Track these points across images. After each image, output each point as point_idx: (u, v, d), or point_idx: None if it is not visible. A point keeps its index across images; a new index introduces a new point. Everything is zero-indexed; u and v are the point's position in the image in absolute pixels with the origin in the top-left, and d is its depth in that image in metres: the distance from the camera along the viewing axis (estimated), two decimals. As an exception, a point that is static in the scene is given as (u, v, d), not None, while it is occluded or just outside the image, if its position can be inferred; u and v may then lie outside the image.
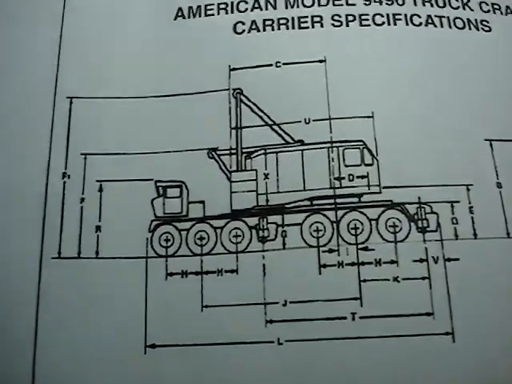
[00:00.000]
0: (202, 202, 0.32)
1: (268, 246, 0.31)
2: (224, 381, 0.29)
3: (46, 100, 0.34)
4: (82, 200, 0.32)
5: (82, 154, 0.33)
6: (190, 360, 0.30)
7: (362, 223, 0.31)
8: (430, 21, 0.34)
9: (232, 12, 0.35)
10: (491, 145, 0.32)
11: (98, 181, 0.32)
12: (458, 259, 0.30)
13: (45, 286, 0.31)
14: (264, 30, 0.34)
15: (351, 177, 0.31)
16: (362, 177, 0.31)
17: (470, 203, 0.31)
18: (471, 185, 0.31)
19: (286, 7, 0.35)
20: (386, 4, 0.34)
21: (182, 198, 0.32)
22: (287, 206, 0.31)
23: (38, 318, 0.30)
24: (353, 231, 0.30)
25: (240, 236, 0.31)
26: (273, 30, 0.34)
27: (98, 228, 0.32)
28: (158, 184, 0.32)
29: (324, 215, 0.31)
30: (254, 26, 0.34)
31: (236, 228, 0.31)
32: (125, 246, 0.31)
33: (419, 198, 0.31)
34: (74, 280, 0.31)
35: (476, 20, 0.34)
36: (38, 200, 0.32)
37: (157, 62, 0.34)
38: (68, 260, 0.31)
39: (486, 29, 0.34)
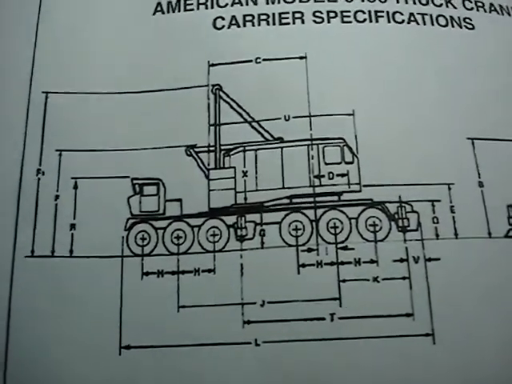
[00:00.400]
0: (180, 200, 0.31)
1: (246, 245, 0.30)
2: (200, 382, 0.29)
3: (21, 94, 0.33)
4: (57, 197, 0.31)
5: (56, 150, 0.32)
6: (165, 361, 0.29)
7: (341, 222, 0.30)
8: (412, 18, 0.34)
9: (212, 7, 0.34)
10: (473, 143, 0.31)
11: (73, 178, 0.32)
12: (438, 259, 0.29)
13: (17, 285, 0.30)
14: (244, 25, 0.34)
15: (331, 175, 0.31)
16: (342, 175, 0.31)
17: (451, 202, 0.30)
18: (452, 184, 0.30)
19: (267, 3, 0.34)
20: (368, 1, 0.34)
21: (158, 196, 0.31)
22: (266, 204, 0.31)
23: (9, 319, 0.29)
24: (332, 230, 0.30)
25: (218, 235, 0.30)
26: (253, 25, 0.34)
27: (73, 226, 0.31)
28: (135, 181, 0.31)
29: (303, 214, 0.30)
30: (234, 22, 0.34)
31: (214, 227, 0.31)
32: (100, 245, 0.31)
33: (400, 196, 0.30)
34: (47, 280, 0.30)
35: (459, 18, 0.34)
36: (11, 197, 0.31)
37: (134, 58, 0.33)
38: (41, 259, 0.30)
39: (470, 26, 0.34)
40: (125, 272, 0.30)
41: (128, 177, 0.31)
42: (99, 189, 0.31)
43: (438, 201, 0.30)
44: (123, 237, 0.31)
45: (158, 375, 0.29)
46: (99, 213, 0.31)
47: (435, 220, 0.30)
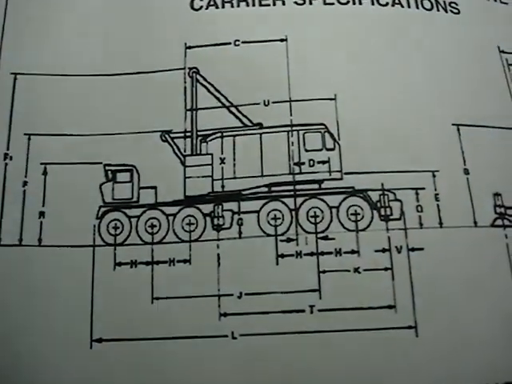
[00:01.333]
0: (154, 187, 0.30)
1: (223, 234, 0.29)
2: (175, 376, 0.28)
3: None
4: (25, 183, 0.30)
5: (25, 134, 0.30)
6: (139, 355, 0.28)
7: (322, 211, 0.29)
8: (396, 1, 0.33)
9: None
10: (458, 130, 0.30)
11: (42, 163, 0.30)
12: (422, 249, 0.28)
13: None
14: (223, 6, 0.32)
15: (312, 162, 0.30)
16: (323, 162, 0.30)
17: (435, 190, 0.29)
18: (437, 171, 0.30)
19: (247, -17, 0.33)
20: (352, -18, 0.33)
21: (132, 183, 0.30)
22: (244, 192, 0.29)
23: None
24: (312, 219, 0.29)
25: (194, 224, 0.29)
26: (232, 6, 0.32)
27: (42, 214, 0.29)
28: (107, 168, 0.30)
29: (282, 202, 0.29)
30: (212, 3, 0.32)
31: (189, 215, 0.29)
32: (70, 234, 0.29)
33: (382, 184, 0.29)
34: (14, 269, 0.29)
35: (444, 1, 0.33)
36: None
37: (108, 39, 0.32)
38: (8, 248, 0.29)
39: (455, 11, 0.33)
40: (96, 262, 0.29)
41: (100, 163, 0.30)
42: (70, 175, 0.30)
43: (422, 189, 0.29)
44: (95, 225, 0.29)
45: (131, 369, 0.28)
46: (70, 200, 0.30)
47: (419, 208, 0.29)
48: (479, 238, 0.29)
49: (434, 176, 0.29)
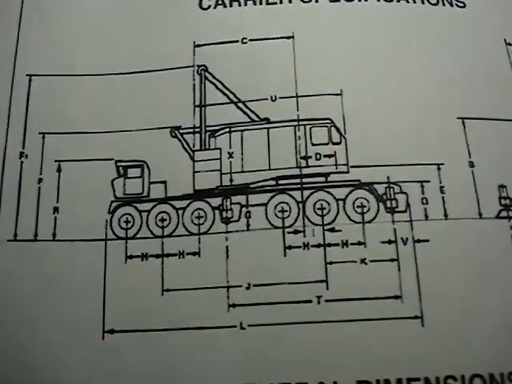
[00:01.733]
0: (164, 182, 0.31)
1: (231, 227, 0.30)
2: (185, 367, 0.28)
3: (4, 77, 0.32)
4: (40, 180, 0.31)
5: (40, 133, 0.31)
6: (150, 346, 0.29)
7: (328, 203, 0.29)
8: (402, -3, 0.33)
9: None
10: (463, 123, 0.31)
11: (56, 161, 0.31)
12: (427, 240, 0.29)
13: (0, 270, 0.29)
14: (231, 5, 0.33)
15: (318, 156, 0.30)
16: (330, 156, 0.30)
17: (440, 183, 0.29)
18: (442, 164, 0.30)
19: (254, -18, 0.34)
20: (357, -21, 0.33)
21: (143, 178, 0.31)
22: (252, 185, 0.30)
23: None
24: (319, 212, 0.29)
25: (203, 217, 0.30)
26: (240, 5, 0.33)
27: (56, 209, 0.30)
28: (119, 164, 0.31)
29: (289, 195, 0.30)
30: (220, 2, 0.33)
31: (198, 209, 0.30)
32: (83, 229, 0.30)
33: (388, 177, 0.30)
34: (30, 264, 0.30)
35: (450, -5, 0.33)
36: None
37: (119, 39, 0.33)
38: (24, 243, 0.30)
39: (461, 5, 0.33)
40: (108, 255, 0.30)
41: (112, 159, 0.31)
42: (83, 171, 0.31)
43: (428, 181, 0.29)
44: (107, 220, 0.30)
45: (142, 360, 0.28)
46: (83, 196, 0.31)
47: (424, 201, 0.29)
48: (484, 229, 0.29)
49: (439, 169, 0.30)
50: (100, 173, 0.31)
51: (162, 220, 0.30)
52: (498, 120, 0.31)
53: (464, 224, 0.29)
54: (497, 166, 0.30)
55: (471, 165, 0.30)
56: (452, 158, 0.30)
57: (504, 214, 0.29)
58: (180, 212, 0.30)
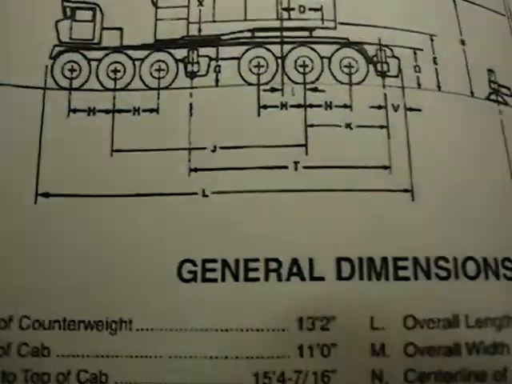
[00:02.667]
0: (120, 28, 0.26)
1: (197, 82, 0.25)
2: (131, 239, 0.24)
3: None
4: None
5: None
6: (92, 213, 0.24)
7: (311, 60, 0.25)
8: None
9: None
10: (454, 2, 0.28)
11: None
12: (420, 110, 0.25)
13: None
14: None
15: (302, 8, 0.26)
16: (315, 9, 0.26)
17: (433, 53, 0.26)
18: (435, 35, 0.27)
19: None
20: None
21: (94, 23, 0.26)
22: (223, 37, 0.26)
23: None
24: (301, 69, 0.25)
25: (164, 70, 0.25)
26: None
27: None
28: (66, 4, 0.26)
29: (267, 49, 0.26)
30: None
31: (159, 60, 0.26)
32: (18, 73, 0.25)
33: (379, 39, 0.26)
34: None
35: None
36: None
37: None
38: None
39: None
40: (47, 106, 0.25)
41: (59, -3, 0.26)
42: (24, 11, 0.26)
43: (421, 50, 0.26)
44: (47, 66, 0.25)
45: (80, 229, 0.24)
46: (21, 37, 0.26)
47: (417, 69, 0.26)
48: (475, 108, 0.26)
49: (431, 40, 0.26)
50: (43, 12, 0.26)
51: (115, 71, 0.25)
52: (488, 9, 0.28)
53: (456, 98, 0.26)
54: (487, 50, 0.27)
55: (463, 43, 0.27)
56: (444, 32, 0.27)
57: (493, 97, 0.27)
58: (137, 63, 0.26)
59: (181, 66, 0.25)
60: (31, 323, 0.23)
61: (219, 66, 0.25)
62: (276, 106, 0.25)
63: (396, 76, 0.26)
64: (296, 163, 0.24)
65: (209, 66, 0.25)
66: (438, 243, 0.24)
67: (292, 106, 0.25)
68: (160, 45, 0.26)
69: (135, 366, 0.23)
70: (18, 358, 0.23)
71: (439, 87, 0.26)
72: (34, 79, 0.25)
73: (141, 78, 0.25)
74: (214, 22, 0.26)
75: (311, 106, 0.25)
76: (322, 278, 0.23)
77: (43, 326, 0.23)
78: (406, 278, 0.23)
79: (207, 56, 0.25)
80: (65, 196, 0.24)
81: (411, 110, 0.25)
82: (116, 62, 0.26)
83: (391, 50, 0.26)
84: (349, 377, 0.23)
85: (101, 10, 0.26)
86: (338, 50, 0.26)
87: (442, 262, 0.23)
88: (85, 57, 0.26)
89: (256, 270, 0.23)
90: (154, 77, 0.25)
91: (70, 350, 0.23)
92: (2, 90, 0.25)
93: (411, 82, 0.26)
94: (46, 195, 0.24)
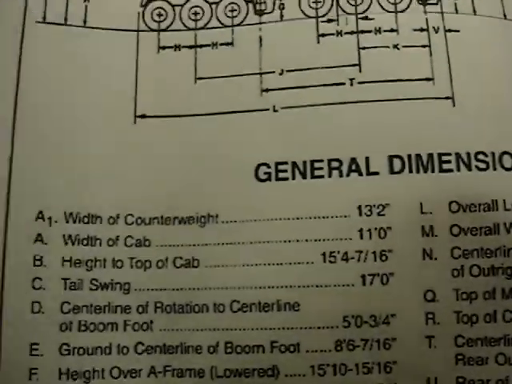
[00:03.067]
0: (199, -23, 0.31)
1: (265, 18, 0.30)
2: (215, 149, 0.28)
3: None
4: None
5: None
6: (182, 129, 0.29)
7: (361, -5, 0.30)
8: None
9: None
10: None
11: None
12: (458, 31, 0.29)
13: (28, 50, 0.29)
14: None
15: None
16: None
17: None
18: None
19: None
20: None
21: (176, -25, 0.31)
22: (285, -22, 0.30)
23: (18, 84, 0.29)
24: (352, 1, 0.30)
25: (236, 10, 0.30)
26: None
27: None
28: (151, -40, 0.31)
29: (324, -13, 0.30)
30: None
31: (232, 3, 0.30)
32: (115, 19, 0.30)
33: None
34: (61, 47, 0.29)
35: None
36: None
37: None
38: (54, 26, 0.30)
39: None
40: (140, 45, 0.30)
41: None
42: None
43: None
44: (139, 12, 0.30)
45: (173, 142, 0.29)
46: None
47: (453, -5, 0.30)
48: (508, 30, 0.30)
49: None
50: None
51: (196, 14, 0.30)
52: None
53: (491, 21, 0.29)
54: None
55: None
56: None
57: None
58: (213, 6, 0.30)
59: (250, 5, 0.30)
60: (135, 220, 0.28)
61: (283, 3, 0.30)
62: (332, 34, 0.29)
63: (435, 4, 0.29)
64: (351, 80, 0.28)
65: (274, 4, 0.30)
66: (477, 140, 0.27)
67: (346, 33, 0.29)
68: (231, -11, 0.30)
69: (221, 251, 0.28)
70: (124, 248, 0.28)
71: (475, 11, 0.29)
72: (129, 24, 0.30)
73: (217, 17, 0.30)
74: (278, -33, 0.30)
75: (363, 31, 0.29)
76: (376, 173, 0.27)
77: (144, 222, 0.28)
78: (450, 170, 0.27)
79: (272, -4, 0.30)
80: (158, 117, 0.29)
81: (450, 31, 0.29)
82: (196, 6, 0.30)
83: (429, -23, 0.30)
84: (403, 255, 0.27)
85: (180, -39, 0.31)
86: (384, -16, 0.30)
87: (481, 155, 0.27)
88: (169, 3, 0.31)
89: (321, 168, 0.28)
90: (228, 16, 0.30)
91: (167, 240, 0.28)
92: (104, 34, 0.30)
93: (449, 8, 0.29)
94: (143, 116, 0.29)
